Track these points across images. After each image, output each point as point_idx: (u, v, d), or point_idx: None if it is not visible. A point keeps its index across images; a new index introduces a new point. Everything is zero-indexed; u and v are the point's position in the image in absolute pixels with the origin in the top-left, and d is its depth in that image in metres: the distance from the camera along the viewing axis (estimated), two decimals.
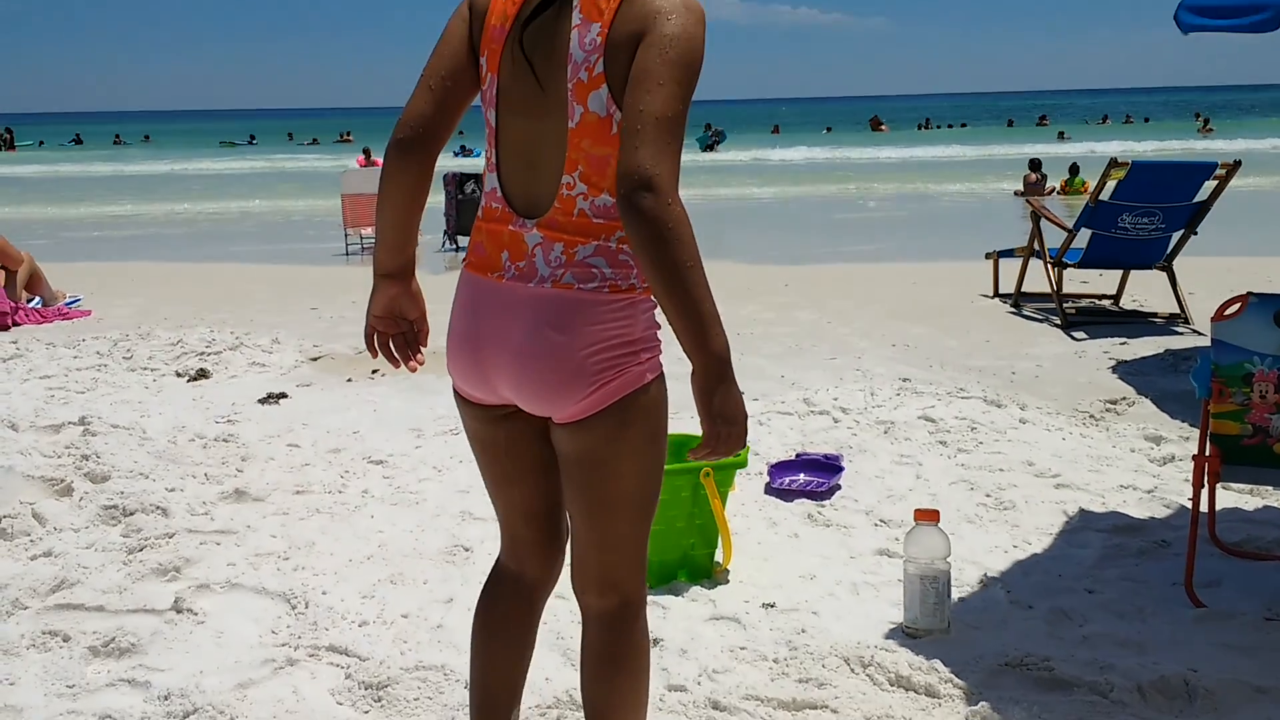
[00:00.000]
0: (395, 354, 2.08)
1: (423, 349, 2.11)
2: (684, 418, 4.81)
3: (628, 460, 1.91)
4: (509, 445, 2.02)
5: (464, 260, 1.99)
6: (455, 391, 2.03)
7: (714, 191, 21.92)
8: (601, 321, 1.84)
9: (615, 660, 2.01)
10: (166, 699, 2.62)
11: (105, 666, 2.83)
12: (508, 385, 1.91)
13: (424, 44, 1.94)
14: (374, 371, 6.32)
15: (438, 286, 5.01)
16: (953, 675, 2.71)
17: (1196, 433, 4.62)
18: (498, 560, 2.16)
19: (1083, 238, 7.51)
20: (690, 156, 33.37)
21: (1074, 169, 19.26)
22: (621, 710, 2.04)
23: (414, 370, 2.11)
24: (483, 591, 2.16)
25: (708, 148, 39.08)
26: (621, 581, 1.99)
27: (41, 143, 56.26)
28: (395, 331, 2.07)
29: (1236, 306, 3.08)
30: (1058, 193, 18.76)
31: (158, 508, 3.81)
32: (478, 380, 1.95)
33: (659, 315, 1.89)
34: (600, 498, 1.94)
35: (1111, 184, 7.15)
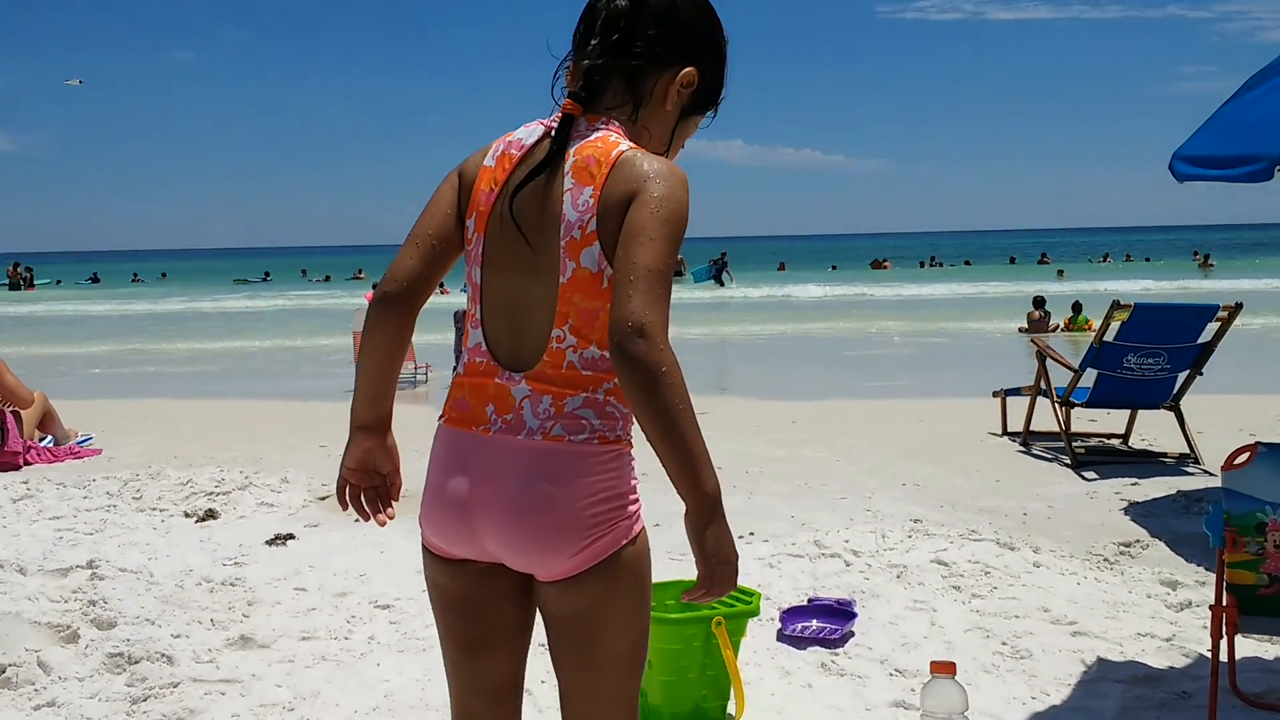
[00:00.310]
0: (366, 507, 2.07)
1: (395, 503, 2.09)
2: (688, 562, 4.80)
3: (620, 615, 1.92)
4: (485, 604, 1.98)
5: (441, 417, 1.99)
6: (425, 549, 2.02)
7: (720, 329, 22.16)
8: (593, 474, 1.87)
9: None
10: None
11: None
12: (495, 540, 1.90)
13: (435, 184, 2.01)
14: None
15: (431, 422, 5.00)
16: None
17: (1212, 577, 4.59)
18: None
19: (1089, 377, 7.56)
20: (700, 293, 33.88)
21: (1077, 307, 19.48)
22: None
23: (382, 525, 2.07)
24: None
25: (715, 277, 39.46)
26: None
27: (59, 281, 57.23)
28: (367, 485, 2.06)
29: (1245, 456, 3.09)
30: (1062, 329, 18.93)
31: (163, 655, 3.77)
32: (461, 535, 1.93)
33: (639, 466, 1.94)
34: (594, 654, 1.93)
35: (1115, 325, 7.23)
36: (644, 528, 1.95)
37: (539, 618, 2.01)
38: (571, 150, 1.92)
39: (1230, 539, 3.07)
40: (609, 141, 1.92)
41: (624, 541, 1.89)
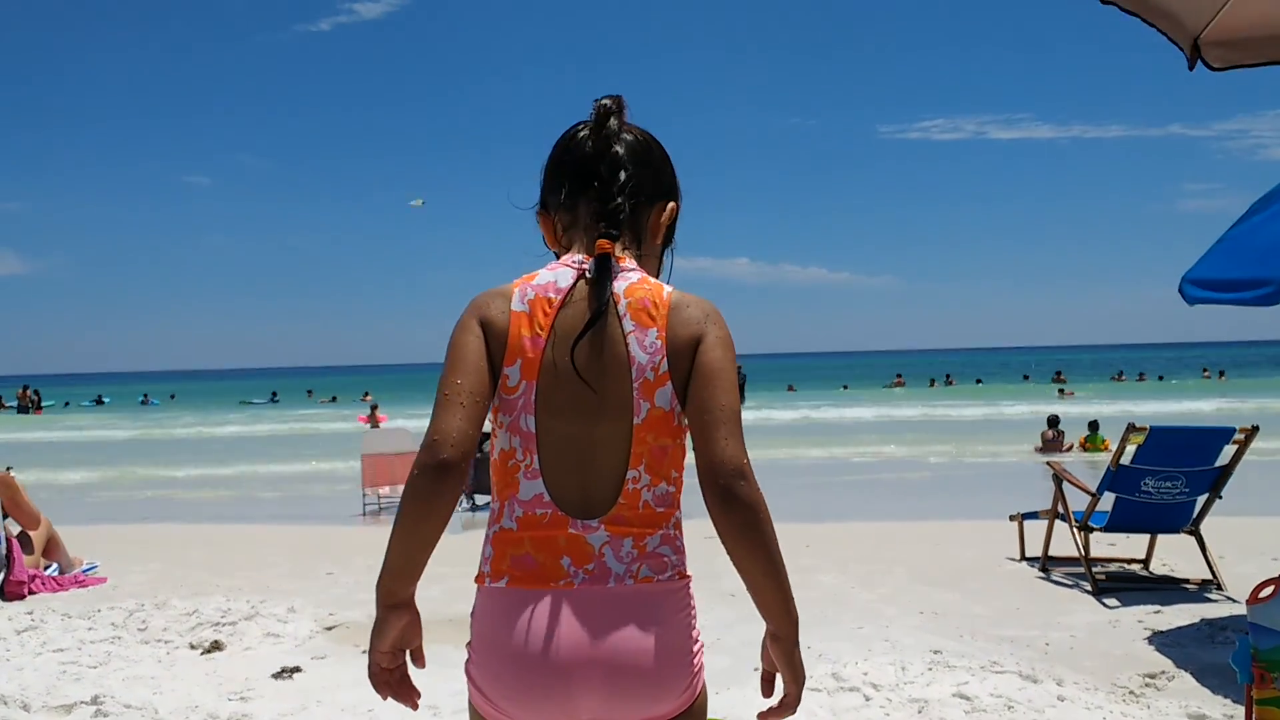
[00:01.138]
0: (400, 690, 1.94)
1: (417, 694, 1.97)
2: (714, 701, 4.66)
3: None
4: None
5: (495, 578, 1.89)
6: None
7: None
8: (683, 609, 1.91)
9: None
10: None
11: None
12: (602, 695, 1.84)
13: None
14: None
15: (458, 547, 4.96)
16: None
17: (1239, 710, 4.46)
18: None
19: (1107, 500, 7.48)
20: None
21: (1094, 425, 19.42)
22: None
23: (415, 709, 1.97)
24: None
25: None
26: None
27: (67, 403, 57.49)
28: (395, 666, 1.92)
29: (1270, 589, 3.03)
30: (1078, 448, 18.83)
31: None
32: (554, 700, 1.85)
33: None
34: None
35: (1131, 448, 7.19)
36: None
37: None
38: (620, 291, 1.94)
39: (1258, 675, 2.99)
40: (652, 283, 1.98)
41: (704, 676, 1.96)
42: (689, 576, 1.94)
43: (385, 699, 1.94)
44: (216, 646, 6.10)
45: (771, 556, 1.86)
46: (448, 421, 1.84)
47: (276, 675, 5.52)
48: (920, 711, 4.67)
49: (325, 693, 5.20)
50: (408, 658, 1.94)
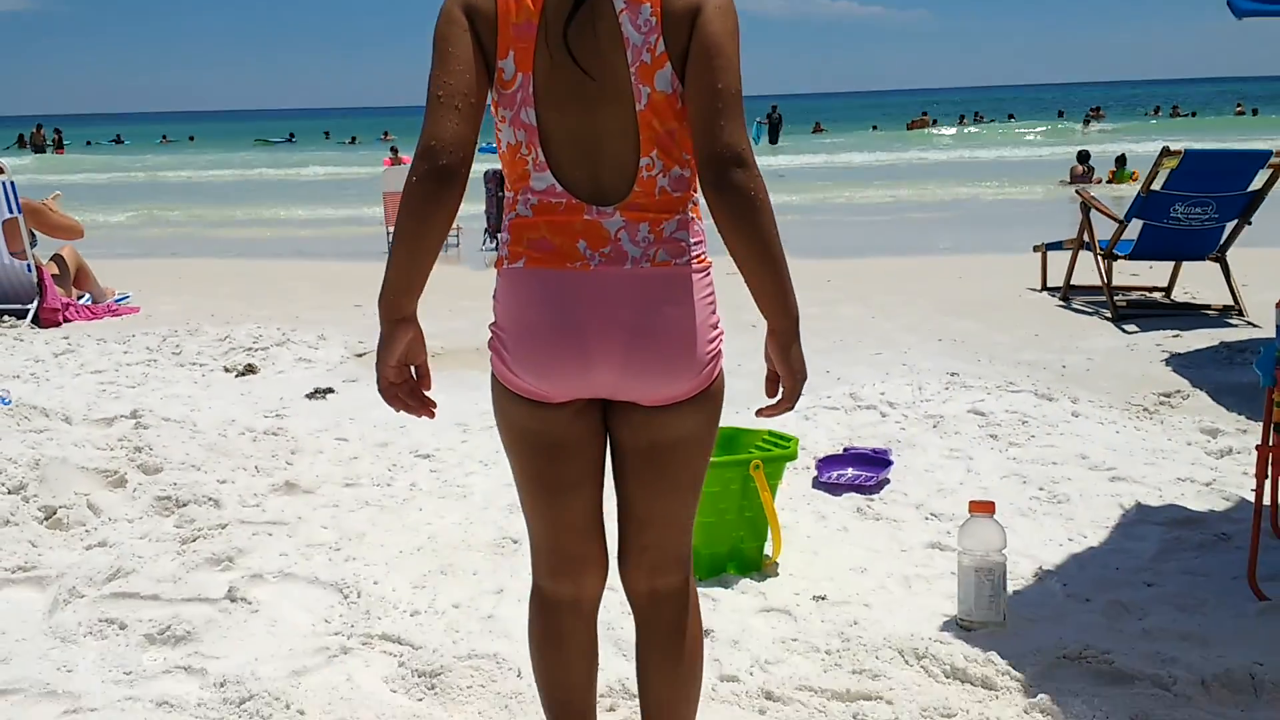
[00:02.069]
0: (411, 403, 1.91)
1: (428, 391, 1.94)
2: (728, 412, 4.79)
3: (711, 439, 2.00)
4: (577, 444, 1.96)
5: (513, 259, 1.88)
6: (514, 397, 1.92)
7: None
8: (701, 294, 1.90)
9: (682, 636, 2.04)
10: (222, 686, 2.64)
11: (161, 654, 2.85)
12: (618, 370, 1.87)
13: None
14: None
15: (483, 282, 4.98)
16: (1010, 667, 2.67)
17: (1254, 425, 4.55)
18: (540, 589, 2.07)
19: (1133, 229, 7.40)
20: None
21: (1121, 160, 19.04)
22: (690, 693, 2.08)
23: (433, 418, 1.94)
24: (536, 622, 2.08)
25: (770, 137, 38.30)
26: (687, 555, 2.05)
27: (89, 143, 57.07)
28: (403, 380, 1.89)
29: None
30: (1106, 183, 18.55)
31: (210, 499, 3.84)
32: (573, 372, 1.87)
33: None
34: (684, 478, 1.99)
35: (1163, 173, 7.04)
36: None
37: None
38: None
39: None
40: None
41: (721, 364, 1.96)
42: (708, 262, 1.92)
43: (398, 411, 1.93)
44: (250, 370, 6.27)
45: (768, 247, 1.82)
46: (442, 125, 1.78)
47: (310, 396, 5.68)
48: (935, 426, 4.79)
49: (358, 411, 5.36)
50: (414, 374, 1.92)
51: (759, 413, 2.02)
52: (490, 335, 1.94)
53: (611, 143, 1.85)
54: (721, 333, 1.95)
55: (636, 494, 2.00)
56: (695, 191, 1.91)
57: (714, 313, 1.93)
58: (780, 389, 1.98)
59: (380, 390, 1.89)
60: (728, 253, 1.88)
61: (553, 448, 1.95)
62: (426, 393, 1.93)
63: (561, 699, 2.12)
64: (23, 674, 2.70)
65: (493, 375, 1.96)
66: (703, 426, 1.96)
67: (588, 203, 1.85)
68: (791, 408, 1.99)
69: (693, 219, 1.90)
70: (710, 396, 1.95)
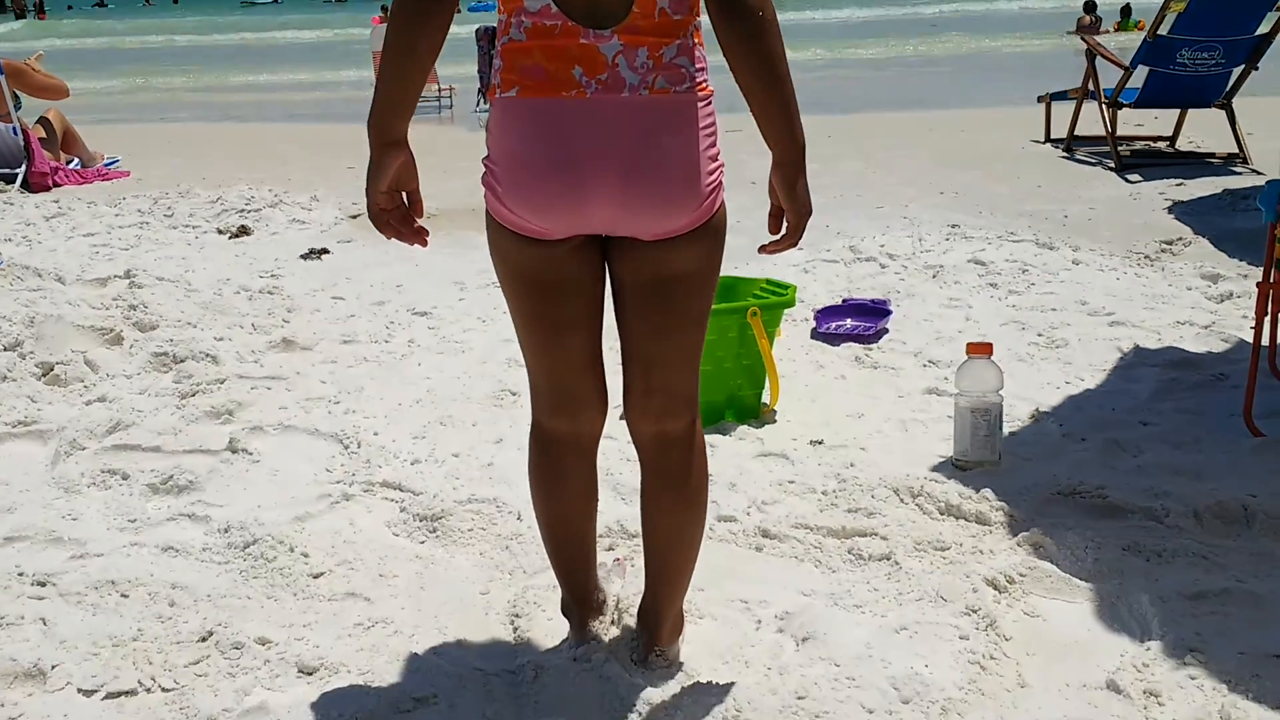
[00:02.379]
0: (403, 230, 1.88)
1: (420, 219, 1.90)
2: (727, 266, 4.76)
3: (713, 273, 1.95)
4: (576, 282, 1.92)
5: (506, 88, 1.81)
6: (509, 234, 1.88)
7: None
8: (703, 124, 1.83)
9: (689, 478, 2.03)
10: (226, 531, 2.67)
11: (165, 502, 2.88)
12: (614, 204, 1.80)
13: None
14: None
15: (477, 142, 4.88)
16: (1004, 504, 2.69)
17: (1255, 271, 4.52)
18: (540, 426, 2.07)
19: (1139, 77, 7.24)
20: None
21: (1126, 10, 18.59)
22: (695, 534, 2.08)
23: (425, 245, 1.90)
24: (536, 458, 2.08)
25: None
26: (693, 398, 2.02)
27: (69, 7, 55.54)
28: (394, 206, 1.86)
29: None
30: (1112, 33, 18.14)
31: (207, 355, 3.83)
32: (571, 209, 1.81)
33: None
34: (687, 315, 1.94)
35: (1171, 16, 6.85)
36: None
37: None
38: None
39: None
40: None
41: (722, 196, 1.89)
42: (710, 90, 1.85)
43: (388, 237, 1.89)
44: (244, 231, 6.21)
45: (775, 70, 1.78)
46: None
47: (305, 256, 5.64)
48: (935, 276, 4.77)
49: (354, 271, 5.33)
50: (406, 201, 1.88)
51: (762, 249, 1.97)
52: (484, 170, 1.88)
53: None
54: (722, 165, 1.89)
55: (640, 333, 1.95)
56: (698, 15, 1.82)
57: (715, 144, 1.86)
58: (784, 224, 1.93)
59: (371, 217, 1.85)
60: (737, 85, 1.82)
61: (550, 286, 1.91)
62: (420, 221, 1.89)
63: (561, 534, 2.14)
64: (29, 522, 2.73)
65: (487, 212, 1.91)
66: (705, 260, 1.91)
67: (584, 25, 1.76)
68: (795, 244, 1.94)
69: (695, 44, 1.82)
70: (712, 229, 1.89)
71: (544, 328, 1.96)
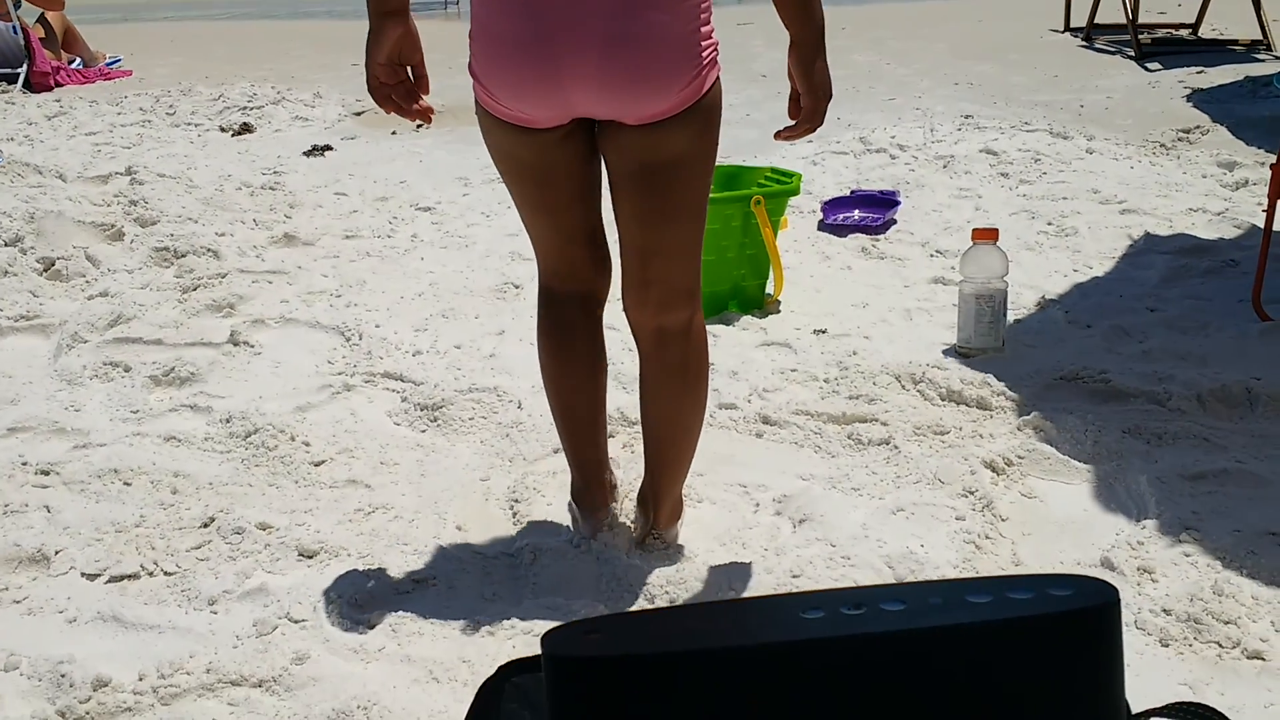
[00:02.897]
0: (405, 104, 1.82)
1: (425, 97, 1.85)
2: (734, 158, 4.69)
3: (707, 158, 1.85)
4: (567, 170, 1.87)
5: None
6: (494, 120, 1.83)
7: None
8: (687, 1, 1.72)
9: (690, 370, 1.99)
10: (228, 421, 2.68)
11: (167, 394, 2.89)
12: (590, 85, 1.72)
13: None
14: (419, 125, 6.20)
15: (459, 37, 4.83)
16: (1005, 389, 2.68)
17: (1272, 157, 4.43)
18: (545, 287, 2.05)
19: None
20: None
21: None
22: (695, 420, 2.05)
23: (429, 120, 1.87)
24: (543, 316, 2.06)
25: None
26: (694, 290, 1.95)
27: None
28: (396, 81, 1.79)
29: None
30: None
31: (208, 250, 3.82)
32: (546, 91, 1.74)
33: None
34: (680, 203, 1.85)
35: None
36: None
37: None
38: None
39: None
40: None
41: (715, 74, 1.80)
42: None
43: (388, 112, 1.83)
44: (246, 129, 6.14)
45: None
46: None
47: (308, 153, 5.59)
48: (945, 166, 4.69)
49: (357, 168, 5.28)
50: (411, 76, 1.82)
51: (778, 135, 1.88)
52: (469, 57, 1.81)
53: None
54: (715, 42, 1.80)
55: (633, 222, 1.88)
56: None
57: (706, 20, 1.76)
58: (801, 109, 1.84)
59: (370, 90, 1.79)
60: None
61: (540, 172, 1.87)
62: (425, 98, 1.83)
63: (569, 403, 2.09)
64: (32, 412, 2.74)
65: (476, 103, 1.85)
66: (696, 143, 1.81)
67: None
68: (813, 129, 1.86)
69: None
70: (703, 110, 1.78)
71: (538, 209, 1.94)
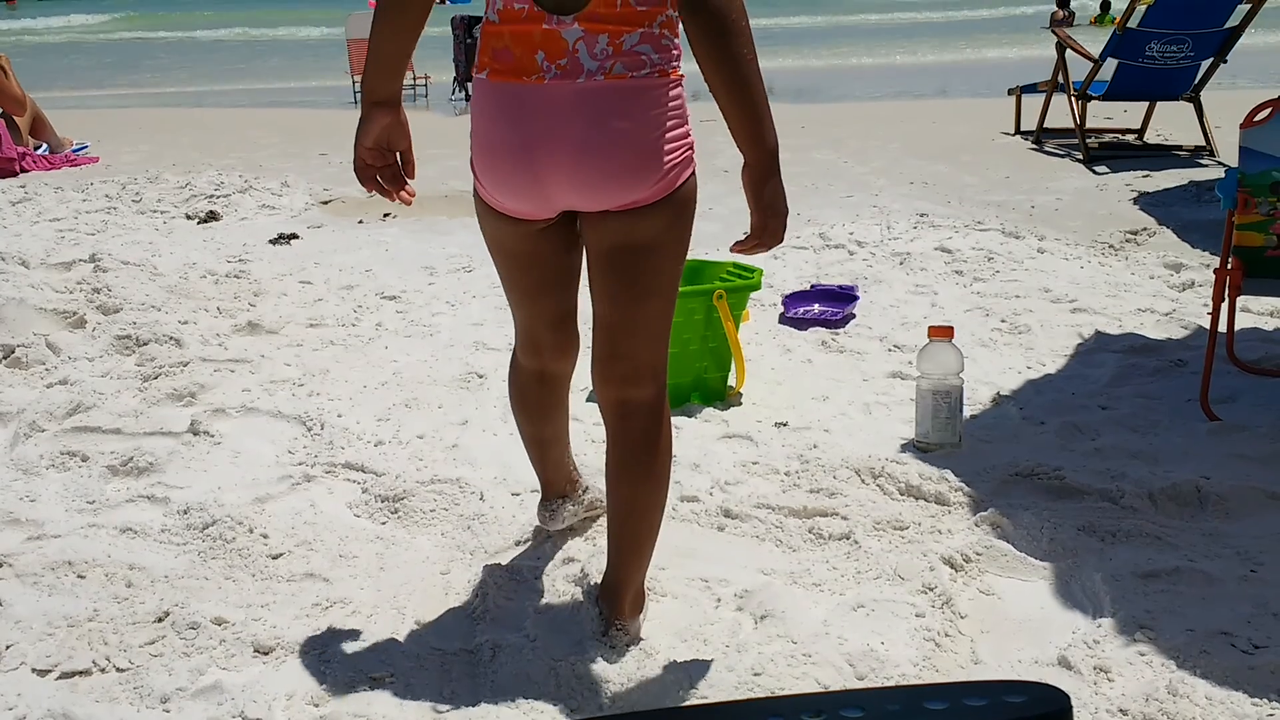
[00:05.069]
0: (387, 185, 1.98)
1: (410, 181, 2.02)
2: (697, 251, 4.77)
3: (677, 245, 1.98)
4: (546, 258, 2.04)
5: (480, 69, 1.90)
6: (489, 209, 2.00)
7: None
8: (660, 105, 1.85)
9: (652, 449, 2.06)
10: (186, 513, 2.66)
11: (124, 484, 2.86)
12: (567, 185, 1.87)
13: None
14: (386, 215, 6.26)
15: (451, 129, 4.87)
16: (963, 484, 2.71)
17: (1217, 260, 4.56)
18: (515, 354, 2.25)
19: (1108, 70, 7.29)
20: None
21: (1105, 5, 18.73)
22: (655, 502, 2.10)
23: (408, 203, 2.03)
24: (512, 382, 2.29)
25: None
26: (659, 369, 2.06)
27: None
28: (383, 164, 1.96)
29: (1267, 112, 2.98)
30: (1088, 26, 18.26)
31: (171, 338, 3.81)
32: (527, 188, 1.90)
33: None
34: (649, 284, 1.98)
35: (1141, 9, 6.90)
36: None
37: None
38: None
39: (1241, 200, 3.00)
40: None
41: (688, 173, 1.92)
42: (677, 74, 1.88)
43: (370, 191, 2.00)
44: (213, 216, 6.17)
45: (741, 71, 1.80)
46: None
47: (274, 241, 5.61)
48: (902, 263, 4.79)
49: (323, 256, 5.31)
50: (399, 161, 1.99)
51: (732, 247, 2.01)
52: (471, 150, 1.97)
53: None
54: (689, 142, 1.92)
55: (604, 299, 2.02)
56: (668, 8, 1.85)
57: (679, 123, 1.89)
58: (752, 225, 1.95)
59: (355, 170, 1.96)
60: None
61: (522, 259, 2.05)
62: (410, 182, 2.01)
63: (538, 437, 2.36)
64: None
65: (474, 193, 2.02)
66: (666, 231, 1.94)
67: (549, 11, 1.83)
68: (766, 246, 1.95)
69: (662, 34, 1.84)
70: (676, 202, 1.92)
71: (515, 290, 2.13)
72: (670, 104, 1.87)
